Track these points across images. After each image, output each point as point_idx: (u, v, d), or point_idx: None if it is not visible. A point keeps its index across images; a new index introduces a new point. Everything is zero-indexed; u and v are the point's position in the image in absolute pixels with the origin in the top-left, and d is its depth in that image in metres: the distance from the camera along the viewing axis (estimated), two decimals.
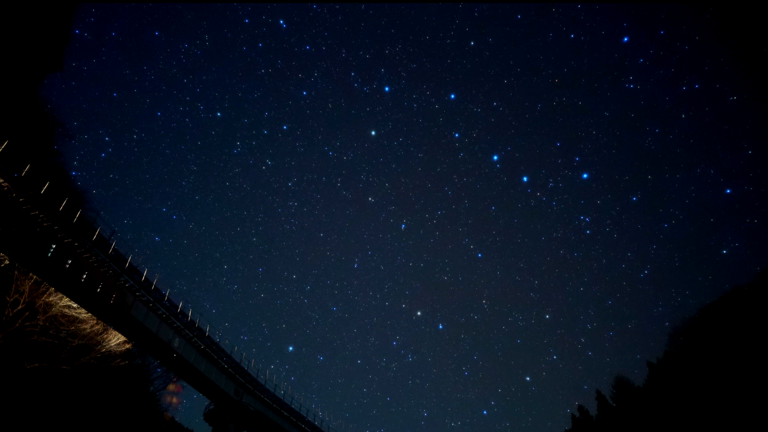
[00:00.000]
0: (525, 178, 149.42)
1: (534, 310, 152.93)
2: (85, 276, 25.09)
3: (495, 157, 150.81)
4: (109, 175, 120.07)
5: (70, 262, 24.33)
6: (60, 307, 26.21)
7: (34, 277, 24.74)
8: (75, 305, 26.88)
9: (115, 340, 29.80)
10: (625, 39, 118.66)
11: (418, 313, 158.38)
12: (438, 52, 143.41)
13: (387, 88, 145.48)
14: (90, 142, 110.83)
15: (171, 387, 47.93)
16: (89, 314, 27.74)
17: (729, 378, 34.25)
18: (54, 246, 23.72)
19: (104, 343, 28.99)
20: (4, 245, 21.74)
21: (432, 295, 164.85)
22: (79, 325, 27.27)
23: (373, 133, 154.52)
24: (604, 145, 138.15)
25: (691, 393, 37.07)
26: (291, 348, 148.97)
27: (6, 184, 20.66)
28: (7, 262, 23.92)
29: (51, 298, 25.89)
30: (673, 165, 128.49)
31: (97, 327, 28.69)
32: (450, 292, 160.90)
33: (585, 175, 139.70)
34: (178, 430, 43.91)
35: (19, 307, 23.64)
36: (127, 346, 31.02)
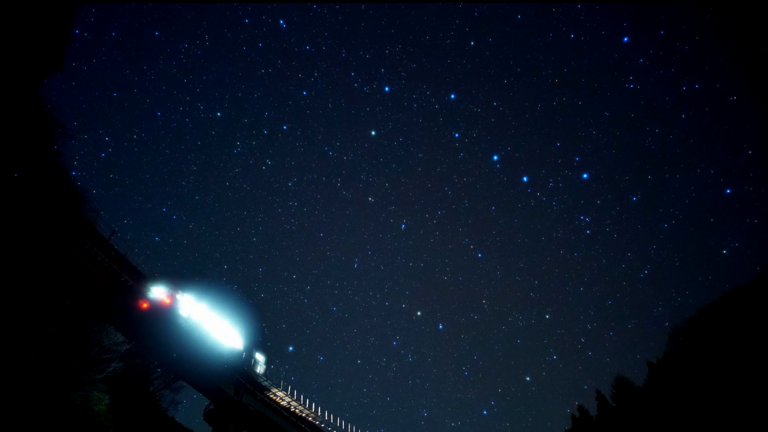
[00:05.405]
0: (525, 178, 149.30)
1: (534, 310, 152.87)
2: (84, 276, 25.08)
3: (495, 157, 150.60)
4: (109, 175, 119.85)
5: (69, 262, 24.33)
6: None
7: None
8: None
9: (115, 340, 29.83)
10: (625, 39, 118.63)
11: (418, 313, 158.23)
12: (438, 52, 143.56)
13: (387, 88, 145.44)
14: (90, 142, 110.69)
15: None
16: (89, 314, 27.76)
17: (729, 378, 34.24)
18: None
19: (104, 343, 29.02)
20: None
21: (432, 295, 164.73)
22: (79, 324, 27.30)
23: (373, 133, 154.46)
24: (604, 145, 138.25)
25: (691, 393, 37.05)
26: (291, 348, 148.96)
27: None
28: None
29: None
30: (673, 165, 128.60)
31: (96, 327, 28.73)
32: (450, 292, 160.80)
33: (585, 175, 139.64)
34: (178, 430, 43.86)
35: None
36: (127, 346, 31.03)
